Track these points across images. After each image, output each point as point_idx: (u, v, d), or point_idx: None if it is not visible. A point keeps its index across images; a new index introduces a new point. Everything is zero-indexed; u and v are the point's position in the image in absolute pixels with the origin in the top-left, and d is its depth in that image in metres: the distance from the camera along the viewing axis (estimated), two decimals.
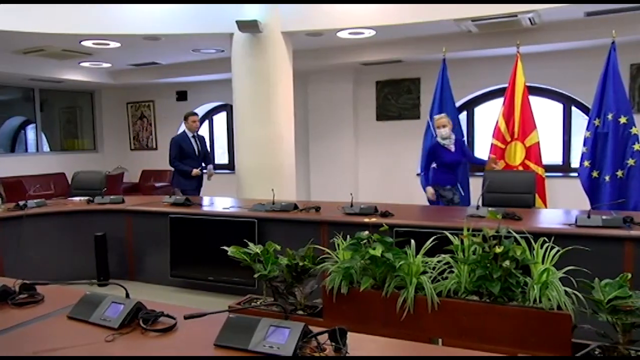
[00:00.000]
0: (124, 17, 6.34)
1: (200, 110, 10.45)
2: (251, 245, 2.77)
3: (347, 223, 4.08)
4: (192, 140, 6.49)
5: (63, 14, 6.16)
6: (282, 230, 4.46)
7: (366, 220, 3.94)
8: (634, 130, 5.33)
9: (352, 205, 4.38)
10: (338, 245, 2.70)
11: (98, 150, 11.02)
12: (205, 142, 6.70)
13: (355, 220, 4.08)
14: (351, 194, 4.70)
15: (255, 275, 2.69)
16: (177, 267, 4.96)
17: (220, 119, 10.51)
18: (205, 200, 5.62)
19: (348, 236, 2.71)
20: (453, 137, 5.54)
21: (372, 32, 6.62)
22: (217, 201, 5.65)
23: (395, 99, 8.47)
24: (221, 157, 10.54)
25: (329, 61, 7.93)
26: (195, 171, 6.37)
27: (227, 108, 9.93)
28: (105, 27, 6.37)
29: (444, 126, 5.44)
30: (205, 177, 6.59)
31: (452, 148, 5.50)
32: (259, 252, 2.72)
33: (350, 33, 6.64)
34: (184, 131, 6.57)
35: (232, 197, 6.14)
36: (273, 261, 2.70)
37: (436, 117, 5.71)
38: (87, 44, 6.98)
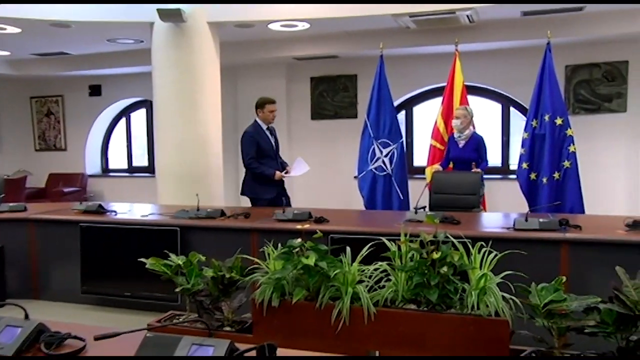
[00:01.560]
0: None
1: (117, 107, 10.12)
2: (172, 256, 2.73)
3: (278, 230, 4.08)
4: (268, 133, 5.51)
5: None
6: (208, 239, 4.40)
7: (299, 227, 3.96)
8: (569, 132, 5.67)
9: (284, 211, 4.39)
10: (269, 254, 2.69)
11: None
12: (277, 135, 5.69)
13: (288, 227, 4.09)
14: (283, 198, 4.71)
15: (177, 290, 2.64)
16: (89, 282, 4.78)
17: (138, 116, 10.20)
18: (122, 207, 5.44)
19: (279, 244, 2.71)
20: (468, 132, 5.66)
21: (306, 25, 6.66)
22: (135, 208, 5.48)
23: (331, 96, 8.57)
24: (140, 158, 10.22)
25: (260, 55, 7.90)
26: (279, 174, 5.34)
27: (147, 104, 9.65)
28: (1, 9, 5.99)
29: (456, 118, 5.66)
30: (286, 181, 5.59)
31: (461, 144, 5.69)
32: (181, 263, 2.68)
33: (282, 25, 6.64)
34: (256, 122, 5.48)
35: (152, 204, 5.98)
36: (197, 273, 2.67)
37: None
38: None
